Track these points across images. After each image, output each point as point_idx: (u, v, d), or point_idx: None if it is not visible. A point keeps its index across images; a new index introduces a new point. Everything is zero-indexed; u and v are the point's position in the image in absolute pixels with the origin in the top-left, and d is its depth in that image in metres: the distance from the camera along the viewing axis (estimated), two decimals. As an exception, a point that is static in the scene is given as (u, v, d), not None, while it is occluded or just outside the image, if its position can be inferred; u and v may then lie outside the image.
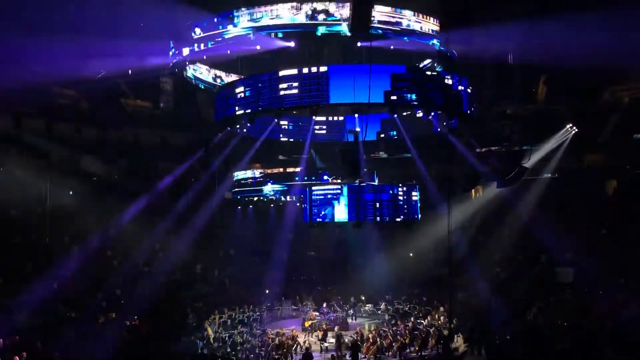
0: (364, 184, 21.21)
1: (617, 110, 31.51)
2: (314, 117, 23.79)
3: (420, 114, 23.58)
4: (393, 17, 18.86)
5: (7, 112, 28.86)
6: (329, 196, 20.82)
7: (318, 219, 21.01)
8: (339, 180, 23.10)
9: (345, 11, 18.63)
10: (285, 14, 18.34)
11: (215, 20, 19.38)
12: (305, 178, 26.80)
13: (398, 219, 21.22)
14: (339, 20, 18.94)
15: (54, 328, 20.56)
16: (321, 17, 18.25)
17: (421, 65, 22.62)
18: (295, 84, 17.28)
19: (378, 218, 21.01)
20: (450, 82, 17.37)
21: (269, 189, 27.93)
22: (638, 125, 30.48)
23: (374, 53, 19.99)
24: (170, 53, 22.22)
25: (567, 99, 30.43)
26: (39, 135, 29.65)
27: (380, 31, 18.97)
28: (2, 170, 27.48)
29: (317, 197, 20.86)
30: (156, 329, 22.61)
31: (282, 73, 17.62)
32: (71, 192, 28.64)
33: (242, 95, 18.55)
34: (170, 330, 22.77)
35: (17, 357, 16.89)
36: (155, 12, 23.16)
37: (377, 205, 20.91)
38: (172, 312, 24.68)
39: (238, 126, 21.07)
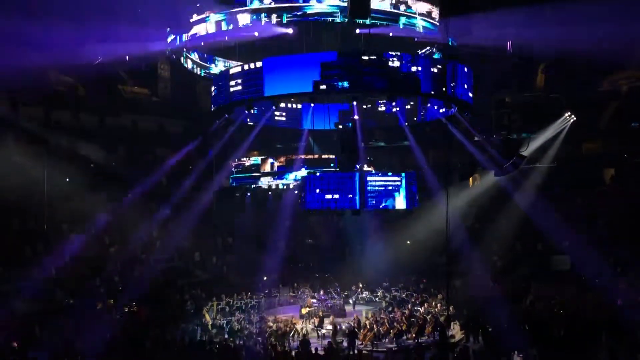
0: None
1: (616, 98, 31.46)
2: (311, 105, 23.69)
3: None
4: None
5: (5, 98, 28.77)
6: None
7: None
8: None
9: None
10: None
11: None
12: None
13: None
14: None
15: (52, 314, 20.66)
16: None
17: (420, 53, 22.49)
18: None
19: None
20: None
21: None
22: (636, 113, 30.46)
23: (376, 41, 20.00)
24: (170, 39, 22.05)
25: (566, 87, 30.36)
26: (37, 122, 29.56)
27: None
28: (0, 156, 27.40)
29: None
30: (155, 315, 22.71)
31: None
32: (68, 179, 28.60)
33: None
34: (169, 317, 22.87)
35: (15, 344, 17.01)
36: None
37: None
38: (171, 299, 24.73)
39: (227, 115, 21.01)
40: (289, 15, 18.42)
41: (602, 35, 25.64)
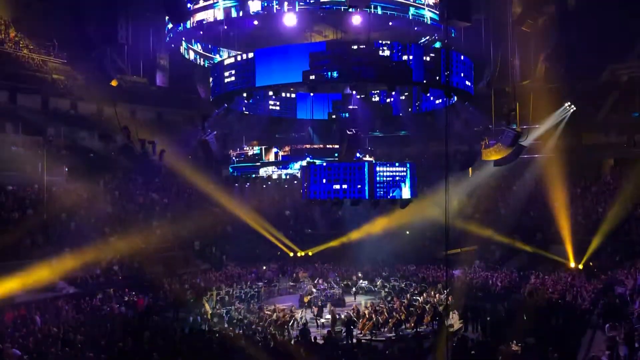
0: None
1: (616, 88, 31.37)
2: (311, 94, 23.60)
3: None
4: None
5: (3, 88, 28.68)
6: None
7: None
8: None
9: None
10: None
11: None
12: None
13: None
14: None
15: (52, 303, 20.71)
16: None
17: (419, 42, 22.36)
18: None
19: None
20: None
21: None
22: (636, 104, 30.39)
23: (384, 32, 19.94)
24: (169, 27, 21.88)
25: (566, 77, 30.27)
26: (35, 111, 29.45)
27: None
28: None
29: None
30: (154, 304, 22.76)
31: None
32: (66, 169, 28.54)
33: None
34: (168, 306, 22.93)
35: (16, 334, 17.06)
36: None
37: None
38: (170, 288, 24.77)
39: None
40: (302, 4, 18.25)
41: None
